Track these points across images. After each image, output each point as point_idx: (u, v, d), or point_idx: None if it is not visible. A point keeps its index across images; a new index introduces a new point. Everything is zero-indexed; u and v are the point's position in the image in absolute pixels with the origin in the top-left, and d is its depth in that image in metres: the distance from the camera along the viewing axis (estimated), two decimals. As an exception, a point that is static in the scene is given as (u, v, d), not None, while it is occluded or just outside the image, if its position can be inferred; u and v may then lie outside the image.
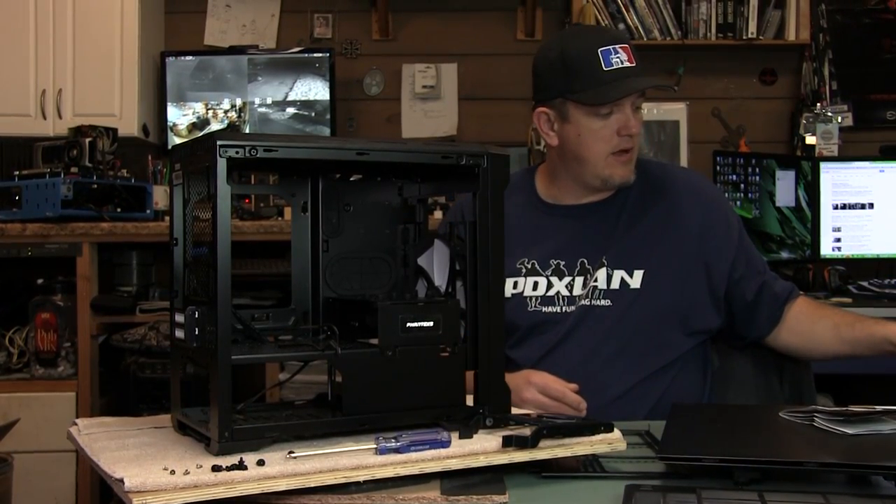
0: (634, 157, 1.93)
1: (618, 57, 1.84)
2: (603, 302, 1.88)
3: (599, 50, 1.85)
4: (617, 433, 1.32)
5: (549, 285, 1.92)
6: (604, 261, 1.90)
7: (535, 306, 1.92)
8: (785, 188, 3.66)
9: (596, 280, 1.90)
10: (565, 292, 1.91)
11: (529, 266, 1.94)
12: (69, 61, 3.93)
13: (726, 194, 3.44)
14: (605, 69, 1.84)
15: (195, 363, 1.27)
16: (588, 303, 1.89)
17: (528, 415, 1.42)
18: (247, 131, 4.11)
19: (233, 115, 4.15)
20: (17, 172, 3.51)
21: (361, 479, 1.15)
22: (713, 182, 3.39)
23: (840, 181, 3.72)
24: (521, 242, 1.95)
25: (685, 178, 2.03)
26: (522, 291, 1.93)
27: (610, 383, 1.85)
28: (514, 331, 1.91)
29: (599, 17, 4.05)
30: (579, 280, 1.91)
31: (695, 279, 1.91)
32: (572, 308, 1.90)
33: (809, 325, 1.95)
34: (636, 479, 1.23)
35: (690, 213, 1.94)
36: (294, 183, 1.48)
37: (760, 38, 4.06)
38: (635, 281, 1.88)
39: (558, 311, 1.90)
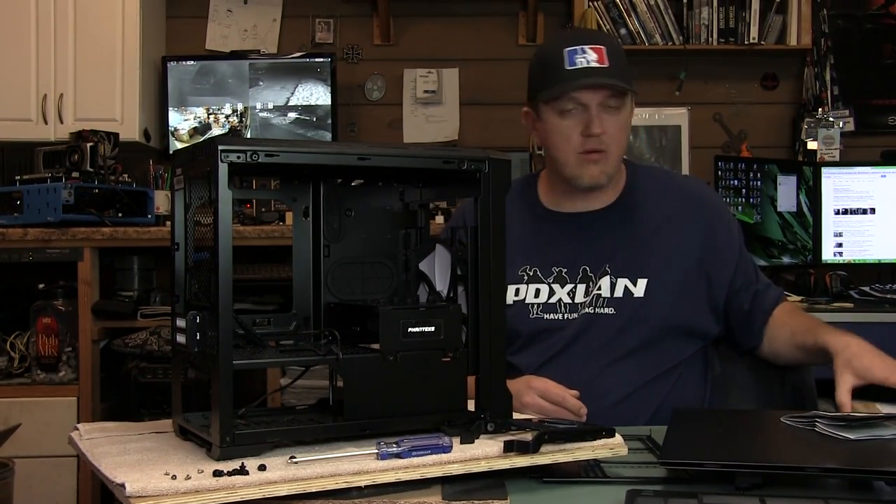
0: (609, 159, 1.90)
1: (584, 57, 1.85)
2: (607, 310, 1.88)
3: (565, 49, 1.87)
4: (618, 438, 1.32)
5: (551, 293, 1.92)
6: (607, 269, 1.90)
7: (536, 313, 1.91)
8: (786, 193, 3.66)
9: (600, 288, 1.89)
10: (567, 300, 1.91)
11: (531, 273, 1.94)
12: (70, 66, 3.94)
13: (727, 199, 3.44)
14: (566, 68, 1.86)
15: (196, 368, 1.27)
16: (592, 311, 1.88)
17: (529, 420, 1.42)
18: (248, 136, 4.11)
19: (234, 119, 4.15)
20: (18, 177, 3.52)
21: (363, 483, 1.15)
22: (714, 187, 3.39)
23: (841, 186, 3.72)
24: (523, 250, 1.95)
25: (688, 185, 2.03)
26: (524, 299, 1.93)
27: (611, 389, 1.85)
28: (516, 338, 1.91)
29: (601, 22, 4.05)
30: (581, 287, 1.91)
31: (696, 287, 1.91)
32: (574, 315, 1.89)
33: (775, 332, 1.95)
34: (637, 485, 1.23)
35: (694, 221, 1.94)
36: (295, 188, 1.48)
37: (762, 43, 4.07)
38: (639, 289, 1.88)
39: (560, 318, 1.90)
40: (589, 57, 1.85)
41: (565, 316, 1.90)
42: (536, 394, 1.69)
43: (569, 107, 1.87)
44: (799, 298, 3.37)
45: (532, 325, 1.91)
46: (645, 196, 1.97)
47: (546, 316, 1.91)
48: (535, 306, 1.92)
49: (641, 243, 1.92)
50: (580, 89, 1.85)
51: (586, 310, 1.89)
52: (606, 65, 1.85)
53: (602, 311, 1.88)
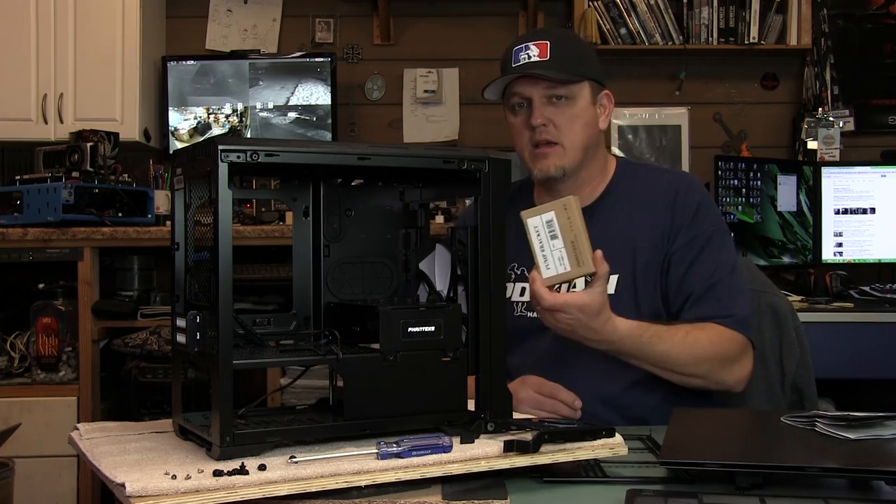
0: (563, 152, 1.91)
1: (526, 53, 1.89)
2: None
3: (514, 49, 1.91)
4: (618, 438, 1.32)
5: None
6: None
7: (520, 311, 1.92)
8: (786, 193, 3.66)
9: (574, 286, 1.88)
10: None
11: (519, 272, 1.94)
12: (70, 66, 3.93)
13: (727, 199, 3.44)
14: (512, 66, 1.90)
15: (196, 368, 1.27)
16: None
17: (529, 420, 1.42)
18: (248, 136, 4.11)
19: (234, 119, 4.15)
20: (18, 177, 3.52)
21: (363, 483, 1.15)
22: (714, 187, 3.39)
23: (841, 186, 3.73)
24: (514, 248, 1.94)
25: (669, 180, 1.97)
26: (510, 297, 1.93)
27: (598, 391, 1.83)
28: None
29: (601, 22, 4.05)
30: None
31: (662, 279, 1.89)
32: None
33: None
34: (638, 484, 1.23)
35: (664, 215, 1.90)
36: (295, 188, 1.48)
37: (762, 42, 4.07)
38: (611, 286, 1.85)
39: None
40: (531, 52, 1.89)
41: None
42: (531, 388, 1.71)
43: (515, 102, 1.92)
44: (799, 298, 3.38)
45: (515, 323, 1.90)
46: (626, 193, 1.95)
47: (529, 314, 1.90)
48: (519, 304, 1.92)
49: (616, 240, 1.88)
50: (512, 82, 1.90)
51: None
52: (546, 58, 1.88)
53: None
